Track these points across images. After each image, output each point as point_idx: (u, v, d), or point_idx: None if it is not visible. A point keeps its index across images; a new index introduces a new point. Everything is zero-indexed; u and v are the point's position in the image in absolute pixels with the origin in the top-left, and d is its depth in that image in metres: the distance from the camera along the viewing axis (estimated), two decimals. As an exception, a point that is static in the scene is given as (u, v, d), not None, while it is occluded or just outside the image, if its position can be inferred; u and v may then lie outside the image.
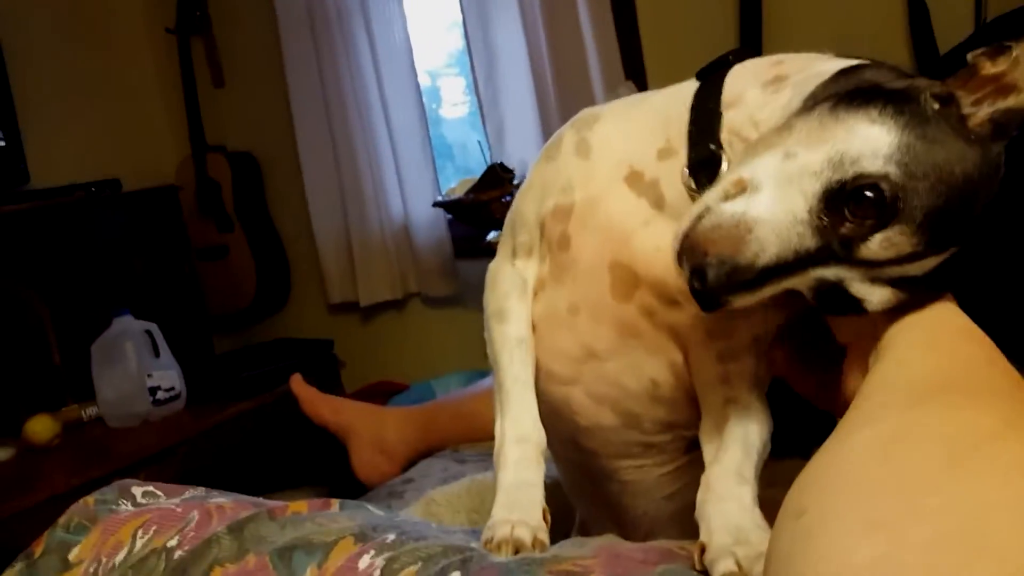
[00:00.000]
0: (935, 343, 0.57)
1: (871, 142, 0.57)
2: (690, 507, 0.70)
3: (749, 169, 0.60)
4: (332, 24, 2.90)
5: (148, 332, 2.39)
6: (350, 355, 2.90)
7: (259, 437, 2.51)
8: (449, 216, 2.75)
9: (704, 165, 0.69)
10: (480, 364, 2.82)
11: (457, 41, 2.95)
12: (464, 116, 3.21)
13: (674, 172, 0.71)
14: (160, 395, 2.36)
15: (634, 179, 0.74)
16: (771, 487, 0.79)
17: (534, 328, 0.81)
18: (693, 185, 0.69)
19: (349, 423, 1.75)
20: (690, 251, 0.59)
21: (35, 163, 2.83)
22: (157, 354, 2.40)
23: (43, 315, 2.54)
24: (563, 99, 2.55)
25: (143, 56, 3.47)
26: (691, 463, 0.80)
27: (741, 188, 0.59)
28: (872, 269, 0.58)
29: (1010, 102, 0.57)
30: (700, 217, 0.59)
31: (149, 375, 2.35)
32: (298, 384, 1.89)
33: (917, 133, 0.57)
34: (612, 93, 2.38)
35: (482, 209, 2.38)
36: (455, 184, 2.70)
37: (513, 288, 0.81)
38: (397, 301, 3.02)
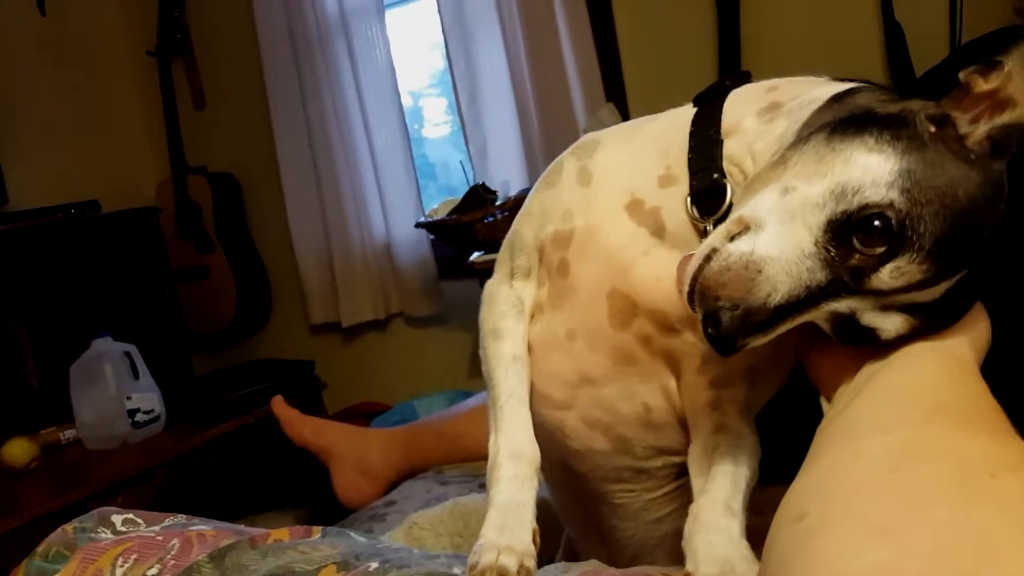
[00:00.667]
0: (950, 368, 0.56)
1: (871, 171, 0.56)
2: (678, 532, 0.69)
3: (750, 208, 0.60)
4: (313, 45, 2.90)
5: (127, 354, 2.37)
6: (332, 376, 2.89)
7: (240, 459, 2.49)
8: (432, 236, 2.76)
9: (707, 194, 0.69)
10: (463, 384, 2.83)
11: (439, 61, 2.96)
12: (446, 136, 3.22)
13: (675, 200, 0.71)
14: (139, 417, 2.33)
15: (634, 207, 0.74)
16: (759, 514, 0.79)
17: (531, 350, 0.81)
18: (696, 214, 0.69)
19: (331, 444, 1.73)
20: (702, 296, 0.58)
21: (13, 184, 2.82)
22: (136, 376, 2.38)
23: (21, 337, 2.52)
24: (545, 120, 2.56)
25: (124, 78, 3.46)
26: (681, 489, 0.80)
27: (744, 227, 0.59)
28: (883, 298, 0.58)
29: (1006, 118, 0.57)
30: (708, 259, 0.58)
31: (128, 397, 2.33)
32: (279, 405, 1.87)
33: (916, 158, 0.56)
34: (593, 115, 2.39)
35: (465, 230, 2.38)
36: (437, 204, 2.70)
37: (510, 308, 0.81)
38: (379, 321, 3.01)
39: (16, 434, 2.28)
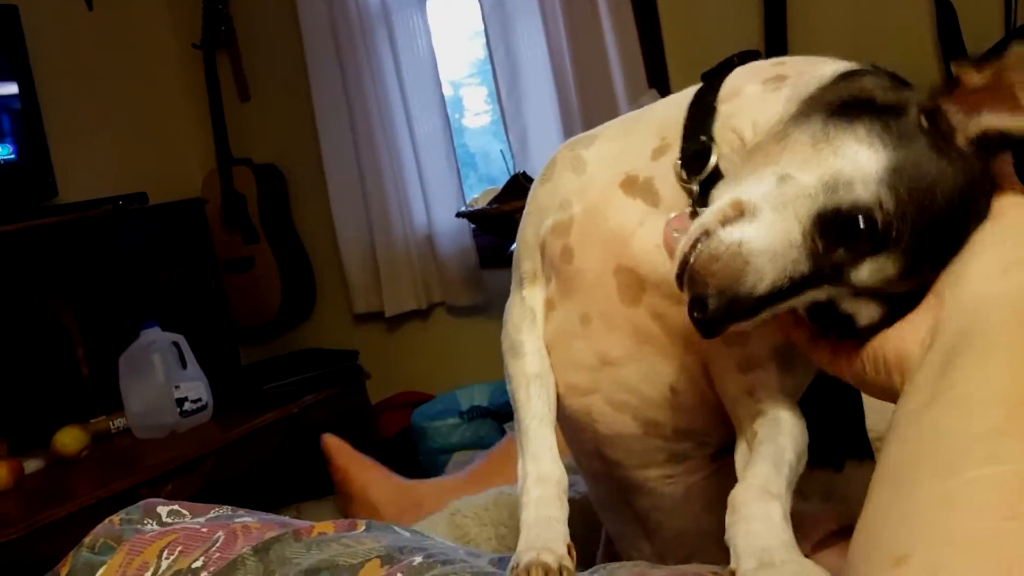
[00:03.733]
0: None
1: (861, 166, 0.57)
2: None
3: (747, 192, 0.60)
4: (356, 36, 2.91)
5: (175, 344, 2.40)
6: (375, 365, 2.90)
7: (285, 447, 2.52)
8: (473, 226, 2.75)
9: (696, 157, 0.69)
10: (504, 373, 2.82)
11: (479, 50, 2.95)
12: (487, 125, 3.21)
13: (667, 168, 0.71)
14: (187, 406, 2.37)
15: (629, 184, 0.74)
16: (807, 500, 0.77)
17: (549, 347, 0.80)
18: (684, 176, 0.69)
19: (377, 504, 1.60)
20: (691, 281, 0.58)
21: (62, 177, 2.87)
22: (184, 365, 2.41)
23: (72, 328, 2.56)
24: (586, 108, 2.54)
25: (169, 71, 3.50)
26: (722, 470, 0.78)
27: (740, 211, 0.59)
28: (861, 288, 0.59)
29: (995, 122, 0.56)
30: (698, 241, 0.59)
31: (176, 386, 2.36)
32: (333, 445, 1.74)
33: (905, 154, 0.57)
34: (635, 102, 2.37)
35: (505, 219, 2.38)
36: (478, 194, 2.70)
37: (523, 319, 0.81)
38: (421, 311, 3.02)
39: (68, 422, 2.33)
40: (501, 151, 2.69)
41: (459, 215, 2.65)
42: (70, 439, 2.25)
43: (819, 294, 0.59)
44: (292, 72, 3.16)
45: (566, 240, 0.76)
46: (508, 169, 2.60)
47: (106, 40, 3.32)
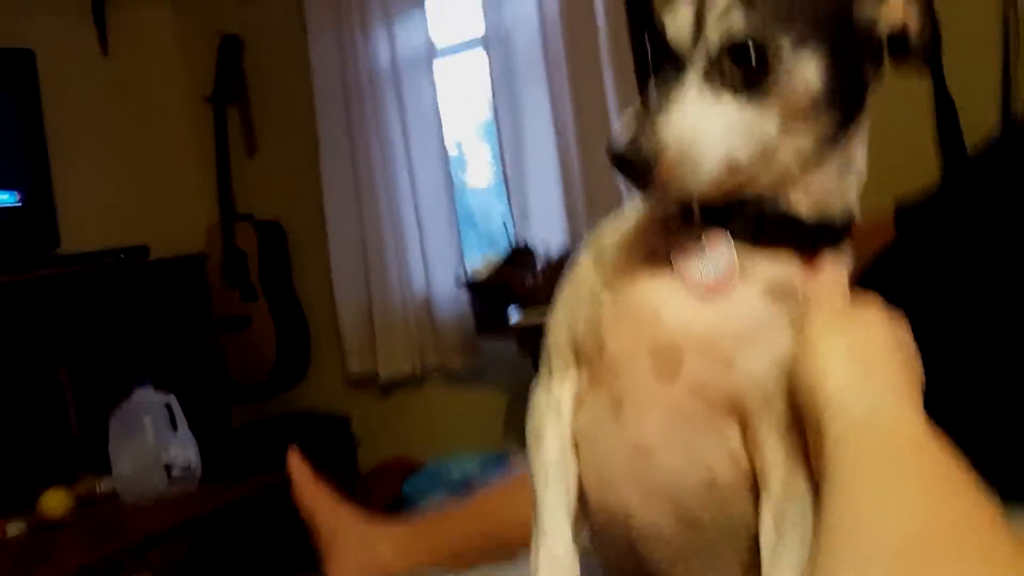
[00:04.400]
0: (907, 481, 0.53)
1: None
2: None
3: None
4: (365, 94, 2.95)
5: (167, 405, 2.38)
6: (367, 429, 2.88)
7: (274, 516, 2.48)
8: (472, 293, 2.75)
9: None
10: (498, 443, 2.80)
11: (485, 109, 2.97)
12: (488, 185, 3.23)
13: (683, 233, 0.71)
14: (175, 472, 2.34)
15: (651, 258, 0.73)
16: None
17: (579, 441, 0.79)
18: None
19: (339, 531, 1.56)
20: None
21: (65, 226, 2.88)
22: (175, 428, 2.39)
23: (63, 382, 2.55)
24: (588, 181, 2.56)
25: (179, 122, 3.54)
26: (759, 566, 0.74)
27: None
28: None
29: None
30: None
31: (166, 450, 2.34)
32: (296, 465, 1.66)
33: None
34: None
35: (504, 289, 2.38)
36: (479, 262, 2.70)
37: (548, 411, 0.80)
38: (416, 376, 3.01)
39: (54, 481, 2.31)
40: (503, 222, 2.70)
41: (458, 284, 2.65)
42: (55, 502, 2.22)
43: (695, 68, 0.62)
44: (300, 129, 3.18)
45: (597, 332, 0.75)
46: (508, 238, 2.60)
47: (119, 87, 3.36)
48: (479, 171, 3.32)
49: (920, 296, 1.24)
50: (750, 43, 0.62)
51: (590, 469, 0.78)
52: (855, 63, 0.65)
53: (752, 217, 0.68)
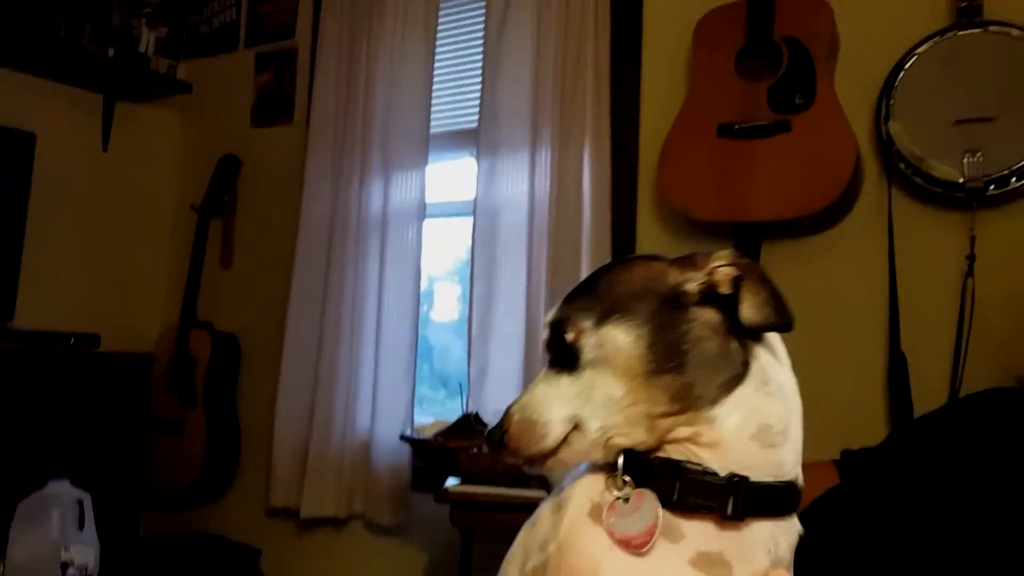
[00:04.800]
0: None
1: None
2: None
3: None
4: (349, 236, 3.02)
5: (80, 502, 2.29)
6: (279, 565, 2.78)
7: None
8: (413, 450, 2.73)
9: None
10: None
11: (462, 252, 3.03)
12: (452, 321, 3.27)
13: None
14: (71, 572, 2.23)
15: (596, 512, 0.74)
16: None
17: None
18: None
19: None
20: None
21: (23, 302, 2.85)
22: (82, 526, 2.29)
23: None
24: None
25: (162, 224, 3.60)
26: None
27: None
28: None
29: None
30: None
31: (66, 548, 2.23)
32: None
33: None
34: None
35: (448, 455, 2.37)
36: (428, 392, 2.70)
37: None
38: (338, 520, 2.93)
39: (-60, 559, 2.18)
40: (459, 384, 2.72)
41: (403, 439, 2.64)
42: (-65, 580, 2.09)
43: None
44: (279, 253, 3.23)
45: None
46: (462, 404, 2.62)
47: (110, 183, 3.43)
48: (446, 308, 3.37)
49: (862, 535, 1.29)
50: (555, 326, 0.74)
51: None
52: (676, 325, 0.71)
53: (669, 476, 0.70)
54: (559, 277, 2.64)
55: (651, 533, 0.69)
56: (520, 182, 2.76)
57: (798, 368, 2.37)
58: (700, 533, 0.70)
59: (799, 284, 2.33)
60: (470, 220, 2.83)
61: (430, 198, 3.00)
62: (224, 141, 3.45)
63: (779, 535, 0.72)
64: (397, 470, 2.81)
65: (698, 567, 0.69)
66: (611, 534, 0.70)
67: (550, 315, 0.76)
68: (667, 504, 0.70)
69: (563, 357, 0.73)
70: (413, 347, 2.89)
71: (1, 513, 2.29)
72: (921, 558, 1.19)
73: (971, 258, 2.07)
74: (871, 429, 1.97)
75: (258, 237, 3.39)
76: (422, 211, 2.98)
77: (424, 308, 3.24)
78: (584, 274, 2.60)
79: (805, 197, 2.16)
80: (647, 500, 0.70)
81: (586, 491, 0.76)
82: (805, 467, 1.74)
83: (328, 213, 3.08)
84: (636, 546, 0.70)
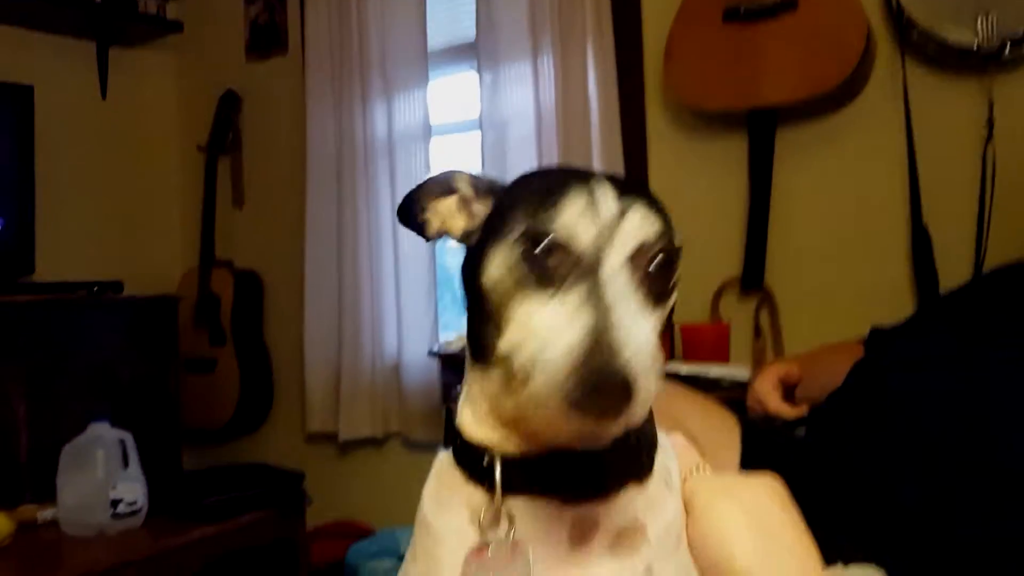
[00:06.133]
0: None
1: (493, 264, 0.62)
2: None
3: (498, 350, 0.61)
4: (358, 163, 3.00)
5: (122, 441, 2.35)
6: (322, 488, 2.84)
7: (214, 567, 2.43)
8: (442, 364, 2.77)
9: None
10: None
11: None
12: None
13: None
14: (121, 508, 2.29)
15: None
16: None
17: None
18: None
19: None
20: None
21: (43, 255, 2.87)
22: (127, 465, 2.35)
23: (18, 409, 2.51)
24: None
25: (170, 168, 3.59)
26: None
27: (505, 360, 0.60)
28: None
29: None
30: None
31: (114, 486, 2.29)
32: None
33: None
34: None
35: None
36: (452, 320, 2.72)
37: None
38: (376, 439, 2.99)
39: (-4, 506, 2.25)
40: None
41: (432, 354, 2.66)
42: (-5, 524, 2.16)
43: (617, 280, 0.57)
44: (289, 186, 3.23)
45: None
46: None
47: (114, 130, 3.41)
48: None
49: (882, 412, 1.29)
50: (666, 253, 0.61)
51: None
52: None
53: (568, 469, 0.62)
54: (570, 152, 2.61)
55: None
56: (524, 92, 2.72)
57: (824, 250, 2.38)
58: (613, 516, 0.63)
59: (817, 167, 2.31)
60: (478, 136, 2.79)
61: (435, 117, 2.97)
62: (222, 78, 3.41)
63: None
64: (428, 387, 2.85)
65: (620, 547, 0.63)
66: None
67: (652, 226, 0.61)
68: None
69: (655, 283, 0.61)
70: (432, 265, 2.89)
71: (47, 461, 2.36)
72: (944, 429, 1.19)
73: (990, 124, 2.04)
74: (898, 308, 1.96)
75: (267, 172, 3.38)
76: (428, 131, 2.95)
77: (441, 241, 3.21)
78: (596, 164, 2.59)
79: (817, 76, 2.12)
80: (521, 556, 0.61)
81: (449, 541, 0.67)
82: (833, 347, 1.74)
83: (334, 142, 3.06)
84: None
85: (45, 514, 2.35)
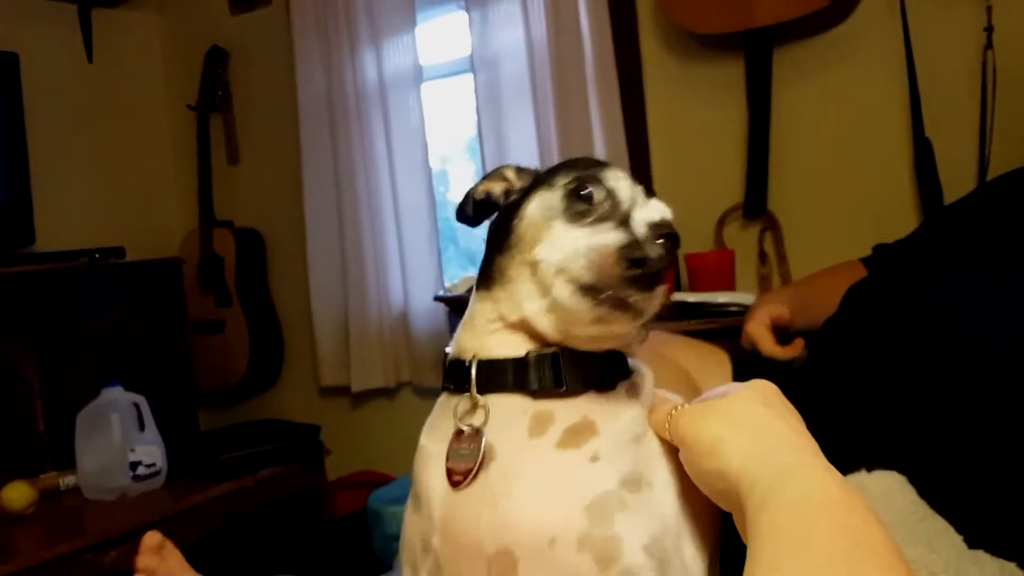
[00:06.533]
0: (821, 545, 0.53)
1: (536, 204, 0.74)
2: None
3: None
4: (351, 111, 2.96)
5: (136, 405, 2.37)
6: (338, 441, 2.87)
7: (238, 522, 2.47)
8: (448, 309, 2.76)
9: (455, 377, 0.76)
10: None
11: (471, 129, 2.99)
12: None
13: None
14: (140, 470, 2.32)
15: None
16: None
17: None
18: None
19: None
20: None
21: (42, 225, 2.86)
22: (143, 428, 2.37)
23: (32, 380, 2.53)
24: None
25: (161, 129, 3.54)
26: None
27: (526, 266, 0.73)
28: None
29: None
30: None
31: (132, 449, 2.32)
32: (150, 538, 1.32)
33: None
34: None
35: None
36: (458, 272, 2.71)
37: None
38: (388, 389, 3.01)
39: (16, 476, 2.28)
40: (484, 239, 2.71)
41: (436, 299, 2.66)
42: (17, 494, 2.19)
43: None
44: (283, 140, 3.20)
45: (429, 549, 0.73)
46: (488, 257, 2.62)
47: (102, 93, 3.36)
48: (463, 187, 3.33)
49: (887, 328, 1.27)
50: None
51: None
52: None
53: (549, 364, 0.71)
54: (567, 120, 2.58)
55: (465, 475, 0.69)
56: (515, 28, 2.67)
57: (826, 172, 2.36)
58: (568, 413, 0.71)
59: (816, 85, 2.27)
60: (471, 79, 2.75)
61: (426, 60, 2.92)
62: (207, 34, 3.35)
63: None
64: (436, 333, 2.85)
65: (563, 445, 0.69)
66: (448, 461, 0.71)
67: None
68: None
69: None
70: (432, 211, 2.87)
71: (64, 429, 2.38)
72: (952, 342, 1.16)
73: (989, 30, 1.99)
74: (904, 224, 1.94)
75: (260, 127, 3.34)
76: (419, 74, 2.91)
77: (441, 189, 3.20)
78: (593, 113, 2.56)
79: (811, -9, 2.07)
80: (476, 441, 0.70)
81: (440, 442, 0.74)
82: (832, 270, 1.71)
83: (325, 92, 3.02)
84: (453, 481, 0.70)
85: (66, 481, 2.38)
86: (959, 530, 0.85)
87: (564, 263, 0.68)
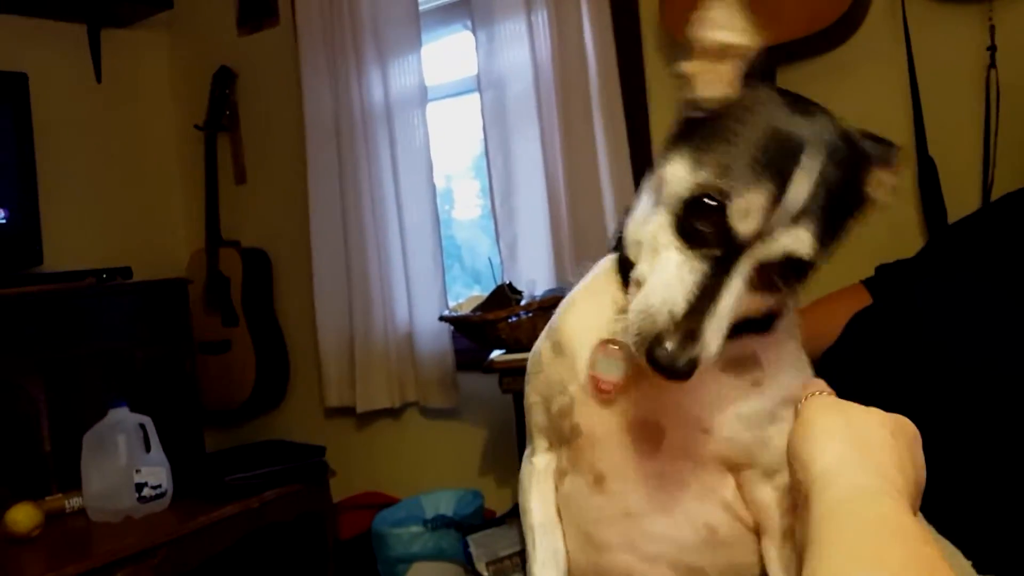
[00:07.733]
0: (884, 566, 0.53)
1: (675, 173, 0.71)
2: None
3: (635, 270, 0.71)
4: (357, 130, 2.97)
5: (142, 426, 2.37)
6: (343, 462, 2.86)
7: (243, 544, 2.46)
8: (453, 329, 2.76)
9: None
10: (473, 481, 2.80)
11: (476, 147, 3.00)
12: (476, 218, 3.25)
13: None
14: (146, 492, 2.32)
15: (604, 347, 0.79)
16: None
17: (563, 506, 0.85)
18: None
19: None
20: (639, 350, 0.65)
21: (49, 245, 2.87)
22: (148, 449, 2.37)
23: (39, 400, 2.53)
24: (575, 224, 2.59)
25: (169, 149, 3.56)
26: None
27: (638, 284, 0.68)
28: (767, 236, 0.67)
29: None
30: (626, 323, 0.67)
31: (137, 470, 2.31)
32: None
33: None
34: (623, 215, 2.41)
35: (487, 328, 2.38)
36: (462, 291, 2.70)
37: (532, 483, 0.87)
38: (393, 409, 3.00)
39: (22, 497, 2.27)
40: (489, 259, 2.72)
41: (442, 319, 2.66)
42: (23, 516, 2.18)
43: (745, 268, 0.66)
44: (290, 160, 3.21)
45: (571, 419, 0.80)
46: (495, 278, 2.63)
47: (111, 113, 3.38)
48: (468, 205, 3.35)
49: (896, 352, 1.27)
50: (807, 262, 0.69)
51: (578, 533, 0.82)
52: None
53: None
54: (573, 138, 2.59)
55: (619, 384, 0.75)
56: (521, 48, 2.68)
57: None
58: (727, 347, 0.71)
59: (820, 103, 2.26)
60: (477, 99, 2.76)
61: (432, 80, 2.94)
62: (215, 54, 3.38)
63: None
64: (441, 354, 2.85)
65: (730, 369, 0.75)
66: (591, 375, 0.76)
67: (805, 238, 0.72)
68: None
69: (781, 282, 0.73)
70: (436, 232, 2.88)
71: (70, 450, 2.38)
72: (962, 364, 1.16)
73: (992, 49, 1.99)
74: (907, 242, 1.94)
75: (267, 148, 3.36)
76: (424, 94, 2.92)
77: (446, 207, 3.21)
78: (598, 132, 2.57)
79: (814, 11, 2.08)
80: (627, 352, 0.73)
81: (591, 329, 0.81)
82: (832, 297, 1.70)
83: (331, 112, 3.03)
84: (603, 391, 0.75)
85: (72, 502, 2.37)
86: (967, 555, 0.85)
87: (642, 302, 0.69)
